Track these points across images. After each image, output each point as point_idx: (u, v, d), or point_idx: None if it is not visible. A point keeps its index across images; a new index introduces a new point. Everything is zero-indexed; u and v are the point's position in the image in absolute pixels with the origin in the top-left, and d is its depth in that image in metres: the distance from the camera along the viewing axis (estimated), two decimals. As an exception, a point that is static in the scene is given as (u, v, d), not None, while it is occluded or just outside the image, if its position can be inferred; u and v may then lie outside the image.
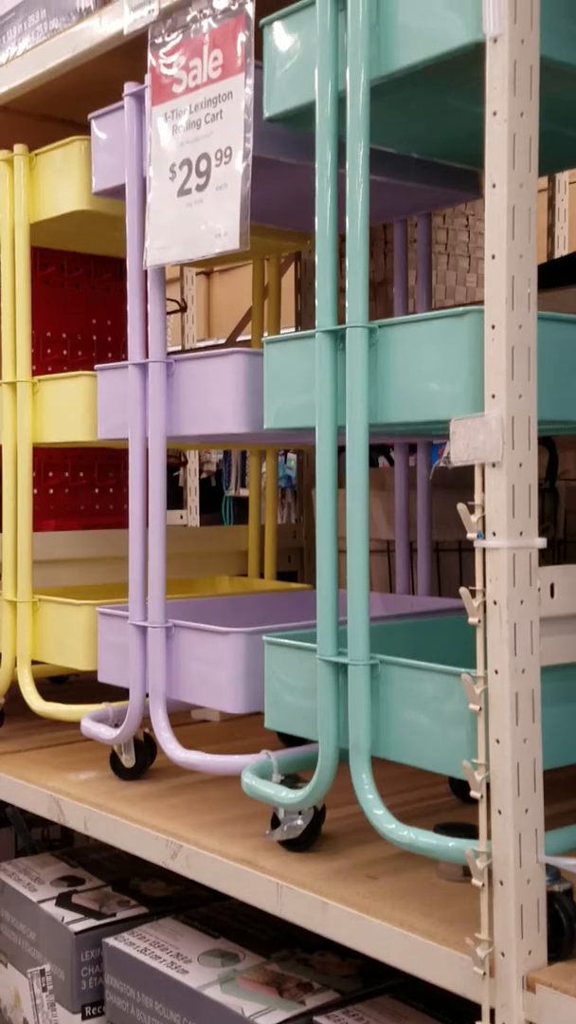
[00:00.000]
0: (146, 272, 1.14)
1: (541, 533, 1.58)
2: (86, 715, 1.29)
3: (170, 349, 2.10)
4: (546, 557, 1.59)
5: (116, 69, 1.29)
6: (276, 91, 0.96)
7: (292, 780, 1.03)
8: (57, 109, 1.50)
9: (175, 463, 2.29)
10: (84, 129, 1.51)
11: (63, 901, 1.35)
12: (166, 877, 1.43)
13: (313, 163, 1.00)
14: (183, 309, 1.99)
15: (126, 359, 1.18)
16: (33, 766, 1.40)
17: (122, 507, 1.80)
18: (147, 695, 1.19)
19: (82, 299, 1.75)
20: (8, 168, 1.41)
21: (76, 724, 1.33)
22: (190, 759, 1.10)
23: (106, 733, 1.24)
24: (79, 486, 1.76)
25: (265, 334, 1.69)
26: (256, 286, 1.70)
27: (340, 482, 0.90)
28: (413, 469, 1.44)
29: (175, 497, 2.67)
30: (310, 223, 0.93)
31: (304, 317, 1.88)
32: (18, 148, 1.39)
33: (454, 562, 1.59)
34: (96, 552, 1.61)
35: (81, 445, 1.47)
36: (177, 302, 1.99)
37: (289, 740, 1.40)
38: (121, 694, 1.25)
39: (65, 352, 1.74)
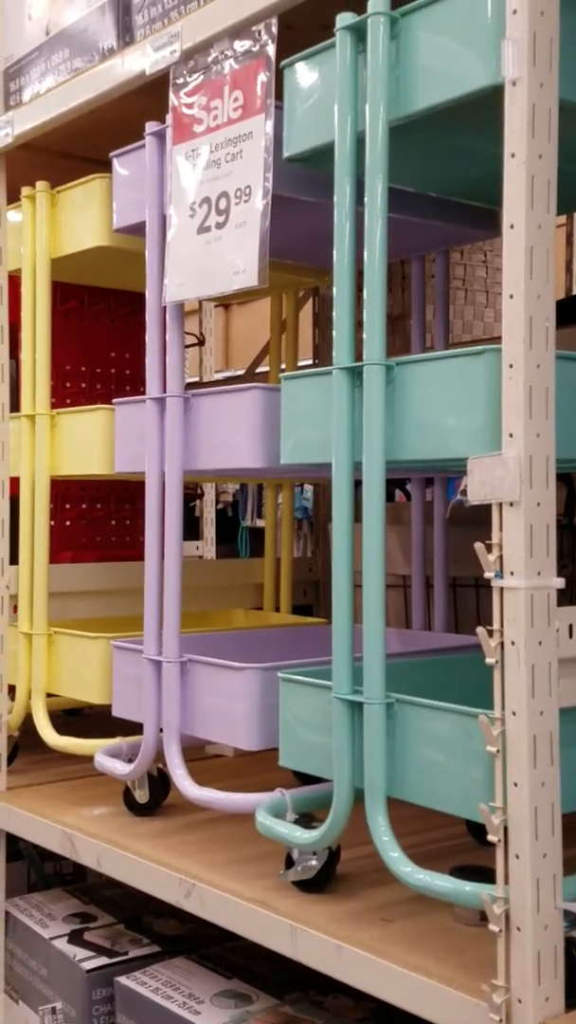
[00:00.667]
0: (164, 308, 1.15)
1: (559, 572, 1.57)
2: (99, 750, 1.29)
3: (189, 380, 2.12)
4: (564, 596, 1.58)
5: (137, 108, 1.30)
6: (296, 131, 0.97)
7: (307, 819, 1.02)
8: (78, 147, 1.52)
9: (192, 494, 2.29)
10: (104, 167, 1.53)
11: (75, 938, 1.33)
12: (179, 915, 1.41)
13: (331, 201, 1.02)
14: (201, 343, 2.00)
15: (144, 392, 1.18)
16: (46, 800, 1.39)
17: (138, 539, 1.80)
18: (161, 730, 1.19)
19: (101, 333, 1.76)
20: (31, 204, 1.43)
21: (89, 758, 1.33)
22: (203, 796, 1.09)
23: (119, 768, 1.24)
24: (95, 518, 1.76)
25: (283, 367, 1.69)
26: (274, 320, 1.70)
27: (357, 516, 0.89)
28: (430, 503, 1.44)
29: (191, 528, 2.67)
30: (328, 259, 0.93)
31: (322, 351, 1.88)
32: (40, 185, 1.41)
33: (471, 598, 1.59)
34: (112, 584, 1.61)
35: (98, 478, 1.48)
36: (196, 336, 2.01)
37: (304, 777, 1.39)
38: (135, 728, 1.25)
39: (84, 385, 1.75)
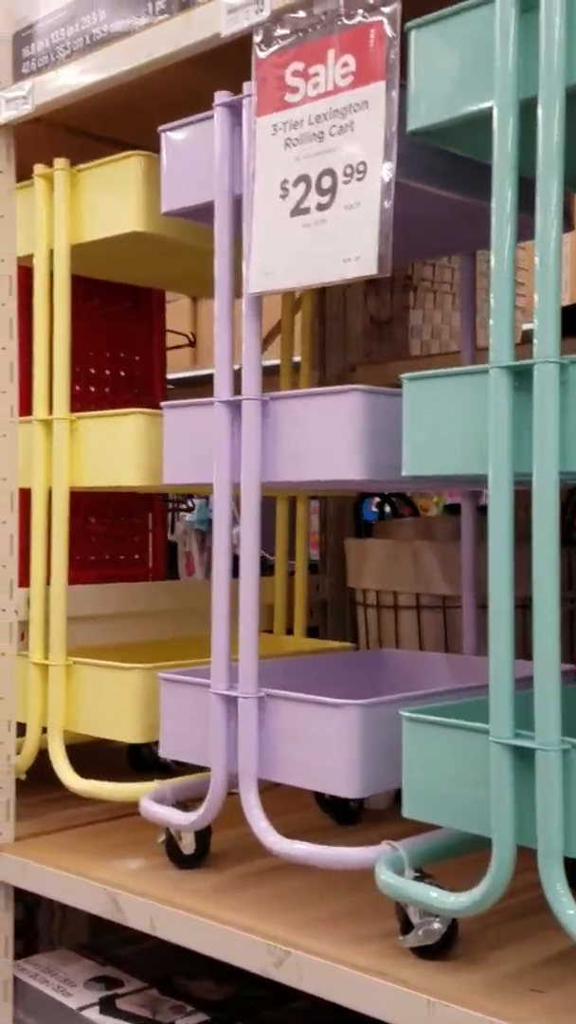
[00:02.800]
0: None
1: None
2: (145, 796, 1.15)
3: (172, 376, 1.97)
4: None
5: (163, 81, 1.18)
6: (426, 102, 0.86)
7: (423, 876, 0.90)
8: (91, 124, 1.38)
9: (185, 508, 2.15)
10: (120, 145, 1.39)
11: (108, 1008, 1.19)
12: (213, 976, 1.28)
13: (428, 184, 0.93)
14: (192, 343, 1.87)
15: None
16: (64, 853, 1.24)
17: (141, 557, 1.66)
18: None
19: (96, 331, 1.62)
20: (46, 184, 1.28)
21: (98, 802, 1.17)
22: (297, 851, 0.97)
23: (179, 818, 1.10)
24: (92, 534, 1.61)
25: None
26: (286, 314, 1.56)
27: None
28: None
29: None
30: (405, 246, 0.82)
31: (328, 351, 1.78)
32: (59, 163, 1.27)
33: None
34: (116, 608, 1.46)
35: (128, 489, 1.33)
36: (187, 336, 1.87)
37: (325, 808, 1.29)
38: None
39: (77, 387, 1.60)
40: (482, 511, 1.73)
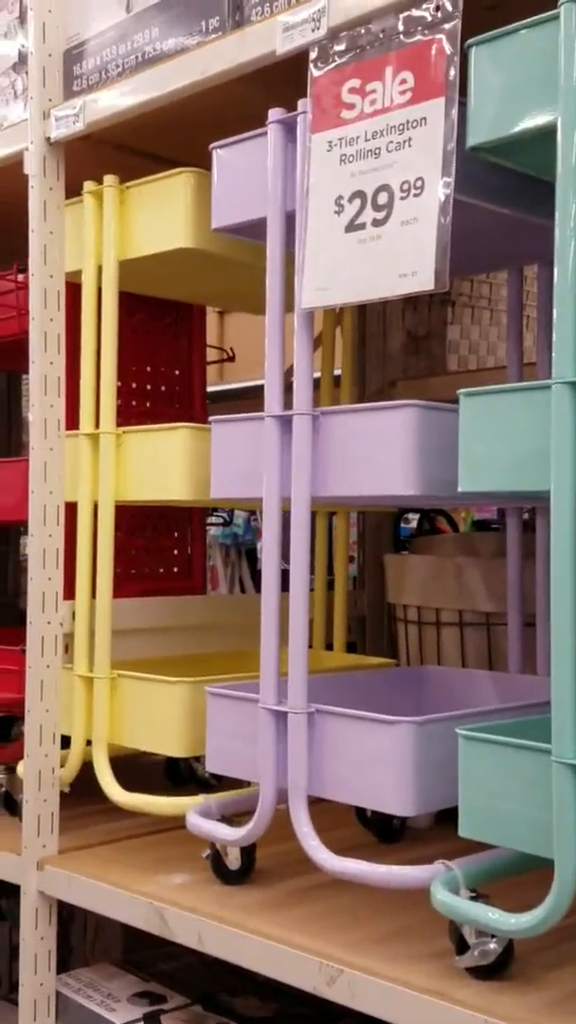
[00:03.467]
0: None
1: None
2: (191, 810, 1.14)
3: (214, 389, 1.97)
4: None
5: (211, 98, 1.18)
6: (486, 118, 0.86)
7: (479, 896, 0.90)
8: (137, 140, 1.38)
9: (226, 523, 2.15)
10: (164, 161, 1.40)
11: (152, 1023, 1.18)
12: (257, 993, 1.27)
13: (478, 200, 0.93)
14: (231, 359, 1.87)
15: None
16: (109, 866, 1.24)
17: (181, 570, 1.66)
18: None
19: (138, 345, 1.62)
20: (95, 201, 1.29)
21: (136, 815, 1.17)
22: (349, 869, 0.96)
23: (226, 833, 1.09)
24: (133, 548, 1.61)
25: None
26: (328, 330, 1.56)
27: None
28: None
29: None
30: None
31: (368, 367, 1.78)
32: (109, 179, 1.28)
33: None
34: (157, 622, 1.46)
35: (174, 504, 1.34)
36: (226, 351, 1.88)
37: (364, 822, 1.28)
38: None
39: (120, 401, 1.60)
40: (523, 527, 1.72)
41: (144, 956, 1.39)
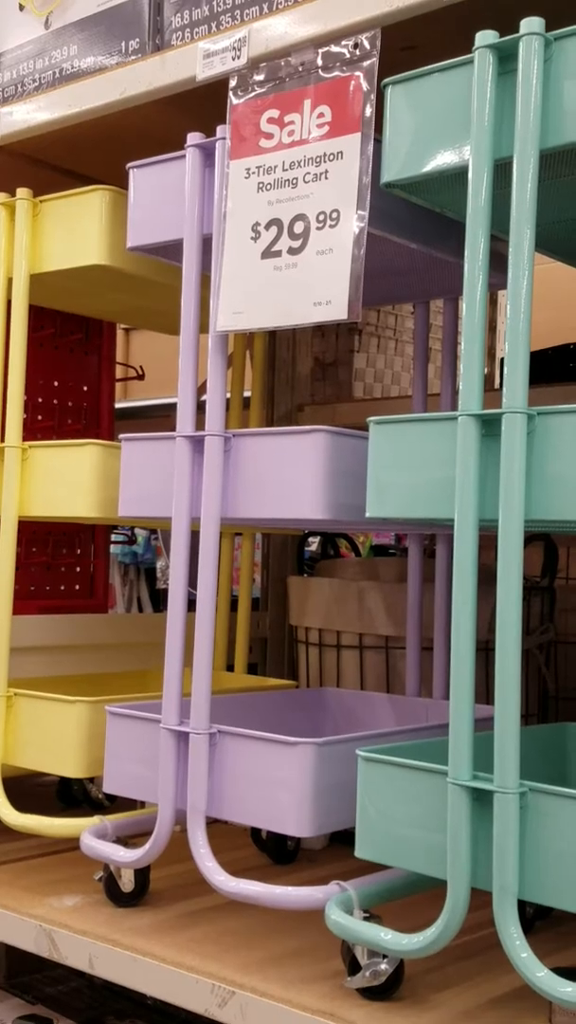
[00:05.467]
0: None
1: (540, 635, 1.52)
2: (86, 832, 1.13)
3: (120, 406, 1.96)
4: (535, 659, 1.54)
5: (131, 119, 1.19)
6: (400, 156, 0.88)
7: (372, 917, 0.91)
8: (53, 155, 1.38)
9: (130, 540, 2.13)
10: (82, 179, 1.40)
11: (39, 1050, 1.16)
12: (146, 1016, 1.26)
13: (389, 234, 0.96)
14: (140, 376, 1.87)
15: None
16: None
17: (83, 588, 1.64)
18: (173, 811, 1.05)
19: (46, 360, 1.61)
20: (7, 213, 1.28)
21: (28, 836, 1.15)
22: (245, 891, 0.96)
23: (122, 855, 1.08)
24: (33, 564, 1.59)
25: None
26: (238, 352, 1.58)
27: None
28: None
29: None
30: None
31: (276, 391, 1.79)
32: (22, 192, 1.27)
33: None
34: (57, 640, 1.45)
35: (80, 521, 1.33)
36: (135, 369, 1.87)
37: (260, 845, 1.28)
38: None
39: (24, 416, 1.59)
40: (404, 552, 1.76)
41: (29, 980, 1.37)
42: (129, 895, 1.14)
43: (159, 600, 3.46)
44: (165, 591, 3.52)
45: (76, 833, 1.16)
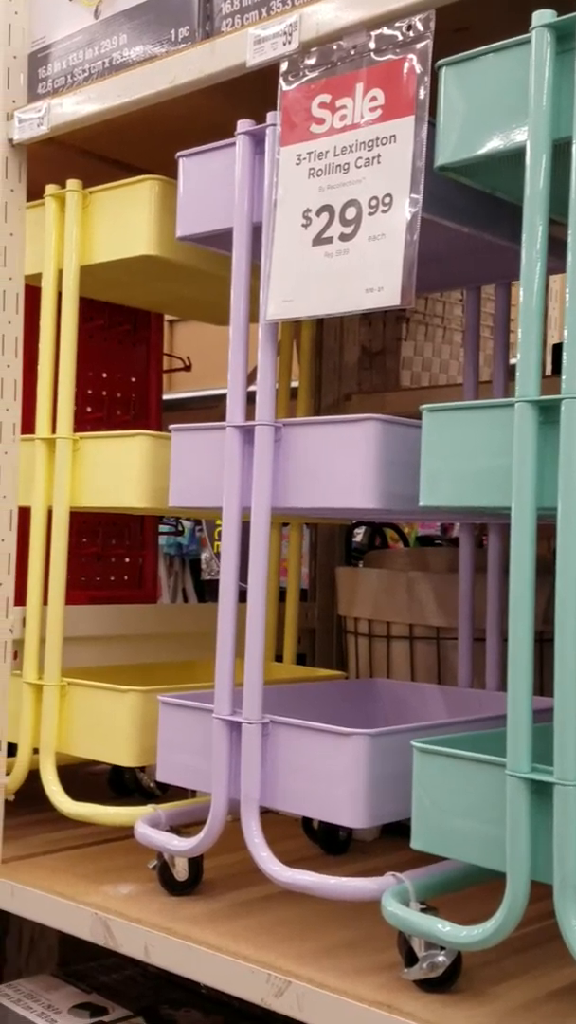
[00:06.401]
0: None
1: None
2: (140, 821, 1.13)
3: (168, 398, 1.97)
4: None
5: (178, 107, 1.18)
6: (455, 138, 0.87)
7: (430, 909, 0.90)
8: (101, 146, 1.38)
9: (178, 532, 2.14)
10: (129, 169, 1.40)
11: (94, 1036, 1.17)
12: (200, 1005, 1.26)
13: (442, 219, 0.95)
14: (188, 367, 1.87)
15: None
16: (54, 876, 1.22)
17: (131, 579, 1.65)
18: (226, 800, 1.05)
19: (95, 351, 1.61)
20: (57, 205, 1.28)
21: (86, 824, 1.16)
22: (300, 881, 0.96)
23: (176, 843, 1.09)
24: (83, 555, 1.60)
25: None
26: (286, 342, 1.57)
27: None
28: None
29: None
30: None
31: (324, 380, 1.78)
32: (71, 183, 1.27)
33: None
34: (108, 630, 1.45)
35: (130, 511, 1.33)
36: (182, 360, 1.87)
37: (312, 835, 1.27)
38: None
39: (74, 407, 1.59)
40: (456, 543, 1.74)
41: (82, 968, 1.38)
42: (183, 884, 1.14)
43: (204, 591, 3.46)
44: (210, 582, 3.54)
45: (130, 822, 1.16)
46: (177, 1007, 1.25)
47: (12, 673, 1.29)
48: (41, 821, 1.38)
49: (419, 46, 0.90)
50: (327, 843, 1.30)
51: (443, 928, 0.85)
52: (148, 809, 1.16)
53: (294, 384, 1.59)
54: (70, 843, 1.34)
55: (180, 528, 2.62)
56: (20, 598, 1.30)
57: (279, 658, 1.59)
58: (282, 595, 1.59)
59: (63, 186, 1.27)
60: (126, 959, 1.33)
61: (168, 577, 3.61)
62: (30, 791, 1.29)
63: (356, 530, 2.16)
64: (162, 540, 3.18)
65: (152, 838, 1.10)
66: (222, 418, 1.06)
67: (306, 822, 1.32)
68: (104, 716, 1.22)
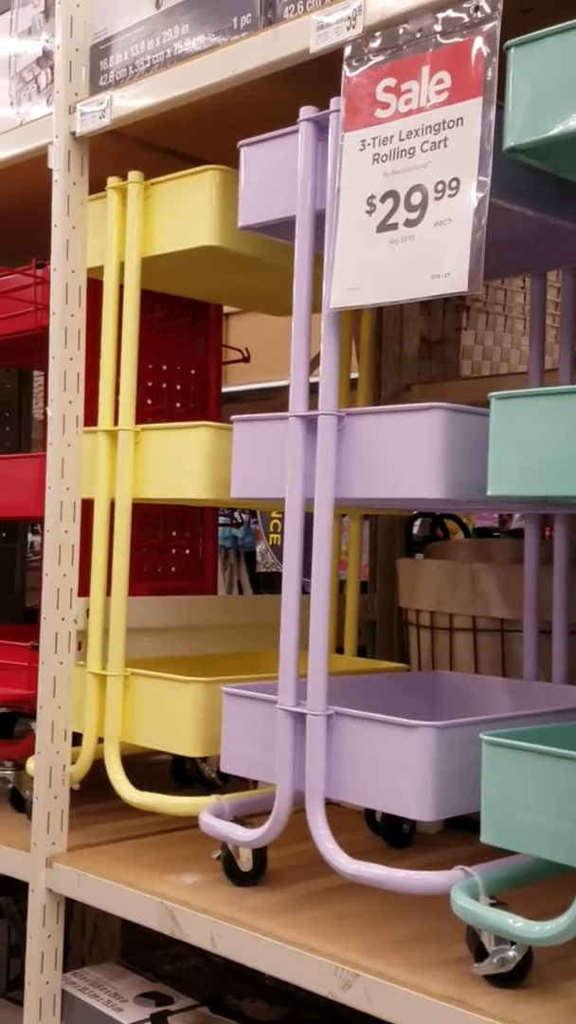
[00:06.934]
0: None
1: None
2: (204, 811, 1.14)
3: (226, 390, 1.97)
4: None
5: (237, 97, 1.18)
6: (524, 120, 0.85)
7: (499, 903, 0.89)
8: (162, 137, 1.38)
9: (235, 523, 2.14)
10: (188, 159, 1.40)
11: (160, 1025, 1.17)
12: (264, 996, 1.26)
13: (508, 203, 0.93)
14: (247, 359, 1.87)
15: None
16: (120, 865, 1.23)
17: (191, 570, 1.65)
18: (291, 792, 1.05)
19: (155, 344, 1.62)
20: (119, 197, 1.28)
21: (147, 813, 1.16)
22: (368, 873, 0.95)
23: (242, 834, 1.09)
24: (144, 546, 1.60)
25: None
26: (345, 332, 1.56)
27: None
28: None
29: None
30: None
31: (384, 370, 1.77)
32: (133, 175, 1.27)
33: None
34: (170, 621, 1.45)
35: (192, 503, 1.33)
36: (241, 352, 1.87)
37: (376, 829, 1.26)
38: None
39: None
40: (514, 534, 1.71)
41: (147, 957, 1.39)
42: (248, 874, 1.14)
43: (259, 583, 3.47)
44: (264, 574, 3.53)
45: (194, 812, 1.16)
46: (242, 998, 1.25)
47: (76, 664, 1.29)
48: (105, 810, 1.39)
49: (487, 27, 0.88)
50: (390, 836, 1.29)
51: (515, 923, 0.83)
52: (212, 799, 1.16)
53: (353, 376, 1.58)
54: (134, 832, 1.35)
55: (239, 520, 2.62)
56: (83, 589, 1.31)
57: (339, 650, 1.58)
58: (341, 587, 1.58)
59: (124, 178, 1.27)
60: (190, 948, 1.34)
61: (223, 569, 3.62)
62: (94, 780, 1.30)
63: (415, 522, 2.15)
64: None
65: (217, 828, 1.10)
66: (281, 409, 1.06)
67: (369, 814, 1.32)
68: (168, 706, 1.22)
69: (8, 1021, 1.55)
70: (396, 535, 1.80)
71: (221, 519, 1.94)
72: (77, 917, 1.70)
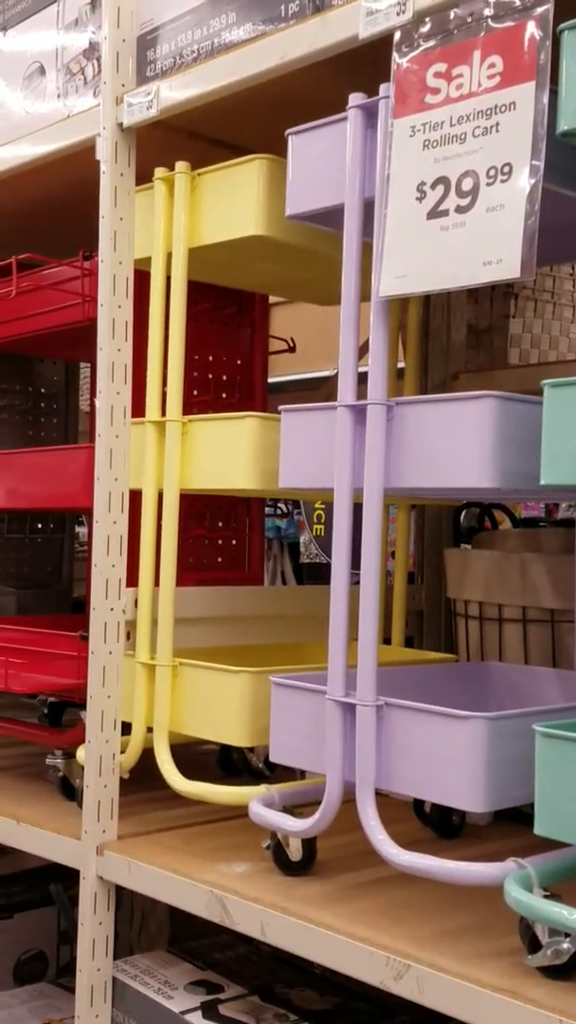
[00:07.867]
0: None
1: None
2: (254, 800, 1.14)
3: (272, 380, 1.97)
4: None
5: (283, 85, 1.17)
6: (577, 102, 0.84)
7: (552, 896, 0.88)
8: (208, 127, 1.38)
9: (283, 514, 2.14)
10: (234, 149, 1.40)
11: (210, 1013, 1.18)
12: (314, 985, 1.27)
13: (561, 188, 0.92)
14: (292, 349, 1.86)
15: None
16: (169, 853, 1.23)
17: (238, 561, 1.65)
18: (340, 782, 1.04)
19: (201, 335, 1.62)
20: (166, 188, 1.28)
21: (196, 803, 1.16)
22: (420, 864, 0.95)
23: (292, 824, 1.09)
24: (191, 537, 1.61)
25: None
26: (393, 322, 1.55)
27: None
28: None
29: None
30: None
31: (431, 359, 1.76)
32: (180, 166, 1.27)
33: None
34: (218, 611, 1.46)
35: (240, 493, 1.33)
36: (287, 342, 1.87)
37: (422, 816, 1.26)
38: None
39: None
40: (559, 524, 1.69)
41: (196, 945, 1.39)
42: (297, 864, 1.14)
43: (302, 574, 3.46)
44: (308, 565, 3.53)
45: (244, 801, 1.17)
46: (291, 987, 1.26)
47: (125, 653, 1.30)
48: (154, 799, 1.40)
49: (539, 11, 0.87)
50: (440, 826, 1.29)
51: (571, 915, 0.83)
52: (262, 789, 1.16)
53: (399, 365, 1.57)
54: (182, 821, 1.36)
55: (284, 511, 2.62)
56: (132, 579, 1.31)
57: (387, 641, 1.57)
58: (388, 577, 1.58)
59: (170, 169, 1.27)
60: (239, 937, 1.35)
61: (267, 560, 3.63)
62: (143, 769, 1.31)
63: (462, 512, 2.13)
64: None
65: (267, 818, 1.11)
66: (326, 399, 1.05)
67: (418, 805, 1.31)
68: (216, 696, 1.22)
69: (59, 1007, 1.57)
70: (443, 525, 1.79)
71: (267, 510, 1.94)
72: (125, 906, 1.71)
